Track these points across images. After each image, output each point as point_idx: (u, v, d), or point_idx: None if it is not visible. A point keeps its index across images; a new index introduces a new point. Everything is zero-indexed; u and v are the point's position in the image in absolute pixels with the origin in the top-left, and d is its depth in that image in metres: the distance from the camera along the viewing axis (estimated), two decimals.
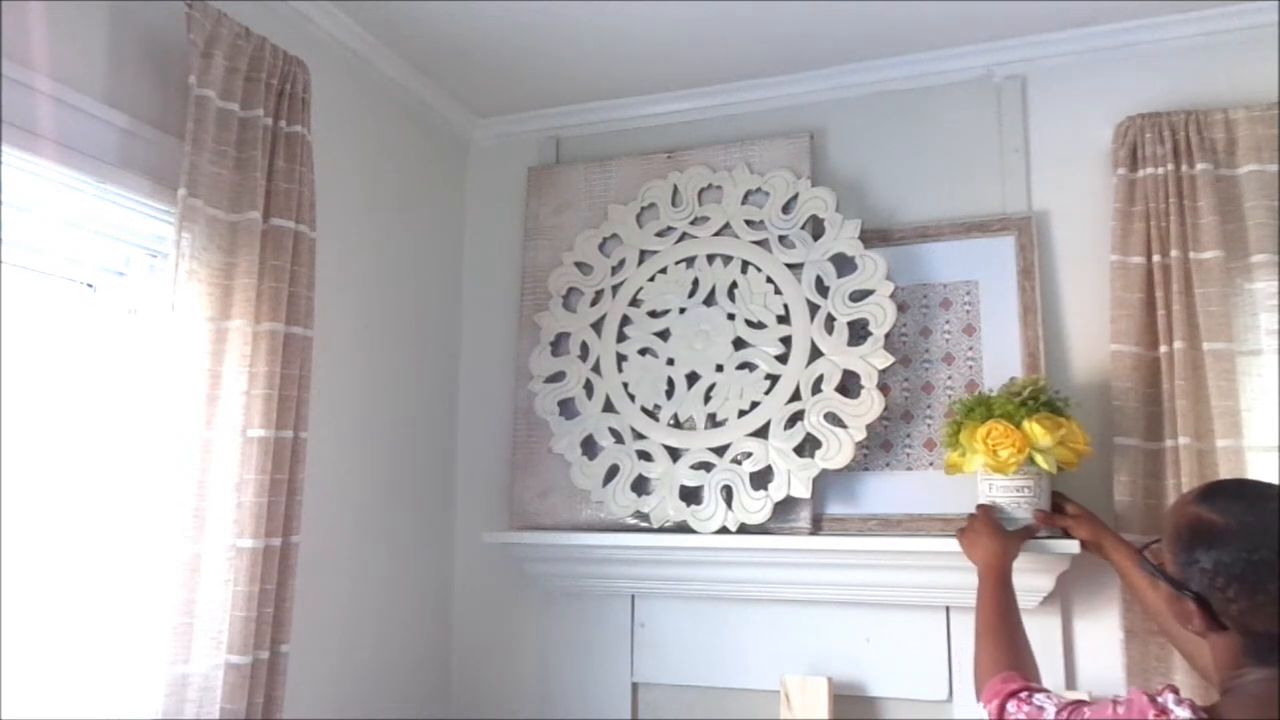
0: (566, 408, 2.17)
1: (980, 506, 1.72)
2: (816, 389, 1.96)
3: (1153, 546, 1.26)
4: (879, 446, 1.99)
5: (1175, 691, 1.11)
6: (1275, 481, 1.31)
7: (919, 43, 2.04)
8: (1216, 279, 1.76)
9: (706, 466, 2.01)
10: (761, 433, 1.99)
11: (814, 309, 2.01)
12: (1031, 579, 1.75)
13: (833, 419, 1.94)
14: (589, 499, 2.11)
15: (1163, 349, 1.79)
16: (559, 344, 2.22)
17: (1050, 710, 1.21)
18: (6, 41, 1.29)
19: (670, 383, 2.09)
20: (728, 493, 1.98)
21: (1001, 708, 1.28)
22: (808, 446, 1.95)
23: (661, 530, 2.02)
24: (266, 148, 1.58)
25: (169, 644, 1.39)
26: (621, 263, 2.20)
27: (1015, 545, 1.64)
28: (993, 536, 1.63)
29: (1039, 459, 1.66)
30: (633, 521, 2.06)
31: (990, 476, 1.72)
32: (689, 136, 2.28)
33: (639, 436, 2.08)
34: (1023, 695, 1.27)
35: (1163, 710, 1.08)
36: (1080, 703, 1.21)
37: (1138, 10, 1.90)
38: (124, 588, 1.46)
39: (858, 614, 1.97)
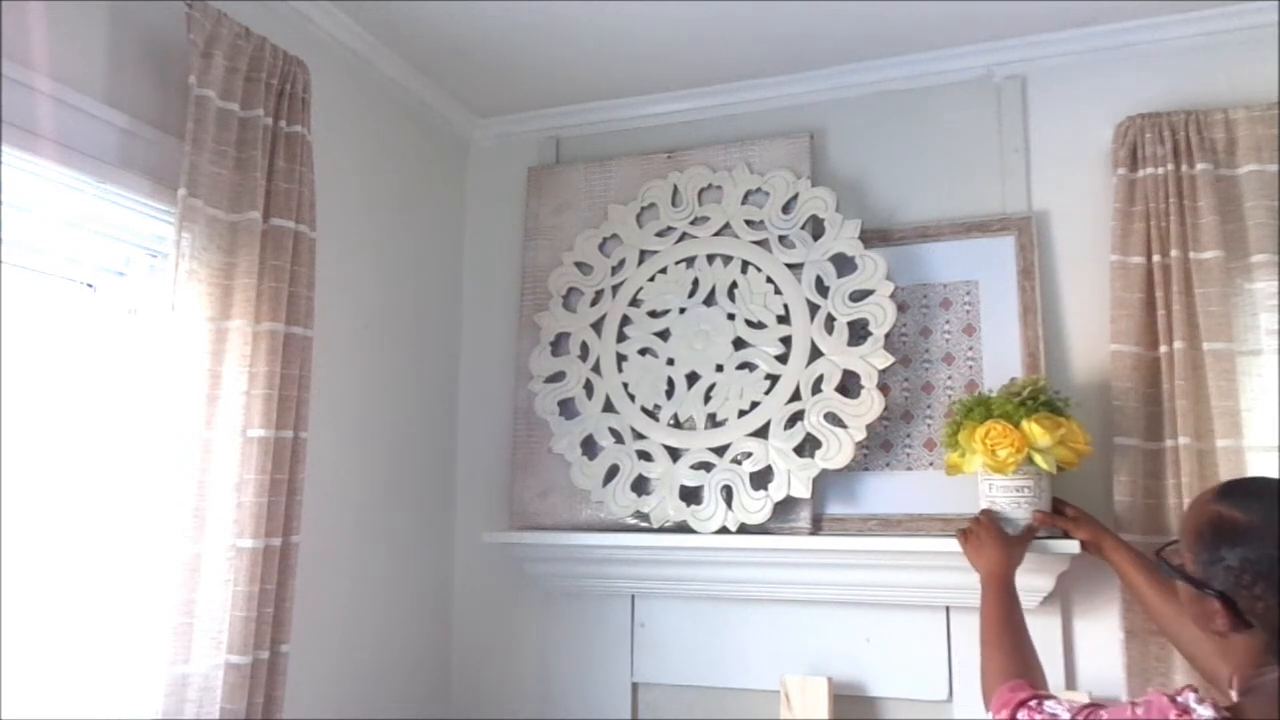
0: (566, 408, 2.17)
1: (984, 512, 1.71)
2: (816, 389, 1.96)
3: (1168, 548, 1.25)
4: (879, 446, 1.99)
5: (1195, 690, 1.09)
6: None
7: (919, 43, 2.04)
8: (1216, 279, 1.76)
9: (706, 466, 2.01)
10: (761, 433, 1.99)
11: (814, 309, 2.01)
12: (1031, 579, 1.74)
13: (833, 419, 1.94)
14: (589, 499, 2.11)
15: (1163, 349, 1.79)
16: (559, 344, 2.22)
17: (1064, 716, 1.19)
18: (6, 41, 1.29)
19: (670, 383, 2.09)
20: (728, 493, 1.98)
21: (1013, 717, 1.26)
22: (808, 446, 1.95)
23: (661, 530, 2.02)
24: (266, 148, 1.58)
25: (169, 644, 1.39)
26: (621, 263, 2.20)
27: (1019, 552, 1.64)
28: (995, 544, 1.62)
29: (1038, 459, 1.65)
30: (633, 521, 2.06)
31: (990, 477, 1.72)
32: (689, 136, 2.28)
33: (639, 436, 2.08)
34: (1033, 704, 1.25)
35: (1184, 710, 1.07)
36: (1095, 705, 1.19)
37: (1138, 10, 1.90)
38: (124, 588, 1.46)
39: (858, 614, 1.97)
